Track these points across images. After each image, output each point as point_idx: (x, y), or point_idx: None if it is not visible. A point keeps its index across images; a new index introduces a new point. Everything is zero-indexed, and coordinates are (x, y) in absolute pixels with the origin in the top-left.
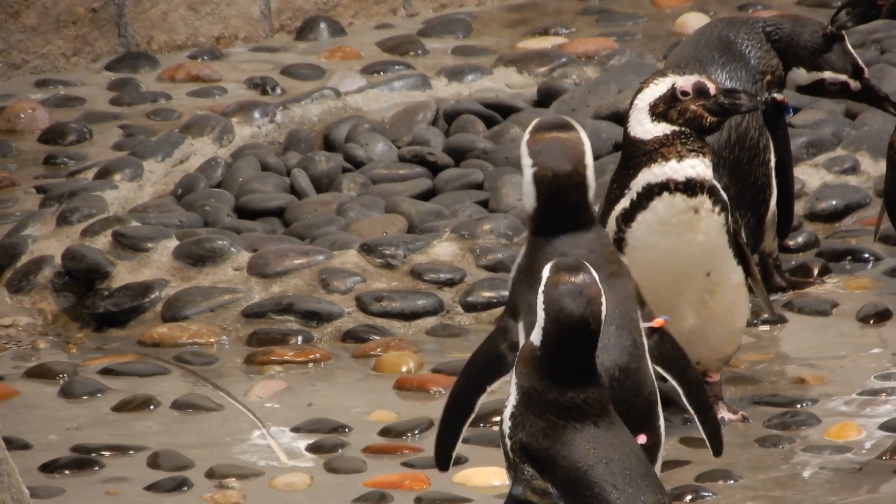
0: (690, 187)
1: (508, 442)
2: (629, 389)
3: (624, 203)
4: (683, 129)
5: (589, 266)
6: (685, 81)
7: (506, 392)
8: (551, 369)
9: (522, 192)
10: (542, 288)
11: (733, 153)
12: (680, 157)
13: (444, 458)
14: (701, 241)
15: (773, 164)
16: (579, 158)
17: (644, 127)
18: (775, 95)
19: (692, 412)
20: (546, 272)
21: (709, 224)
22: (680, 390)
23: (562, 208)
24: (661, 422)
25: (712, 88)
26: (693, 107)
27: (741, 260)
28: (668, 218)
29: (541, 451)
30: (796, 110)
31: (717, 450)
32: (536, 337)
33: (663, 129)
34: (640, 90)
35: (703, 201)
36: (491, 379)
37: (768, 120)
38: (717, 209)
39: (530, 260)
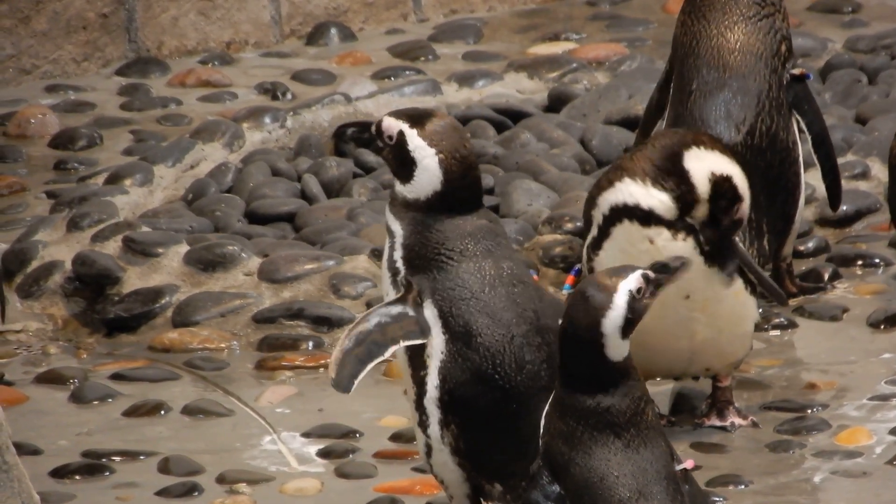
0: (647, 218)
1: (541, 442)
2: None
3: (593, 232)
4: (705, 206)
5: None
6: (746, 209)
7: None
8: (567, 377)
9: (414, 183)
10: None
11: (765, 158)
12: (661, 189)
13: (349, 381)
14: None
15: (801, 158)
16: (468, 137)
17: (698, 165)
18: (793, 71)
19: None
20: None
21: (672, 252)
22: None
23: (466, 188)
24: None
25: (650, 273)
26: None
27: (734, 271)
28: (628, 248)
29: (558, 456)
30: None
31: None
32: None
33: (701, 185)
34: (728, 153)
35: (660, 232)
36: (405, 340)
37: (794, 98)
38: (679, 235)
39: (424, 236)
